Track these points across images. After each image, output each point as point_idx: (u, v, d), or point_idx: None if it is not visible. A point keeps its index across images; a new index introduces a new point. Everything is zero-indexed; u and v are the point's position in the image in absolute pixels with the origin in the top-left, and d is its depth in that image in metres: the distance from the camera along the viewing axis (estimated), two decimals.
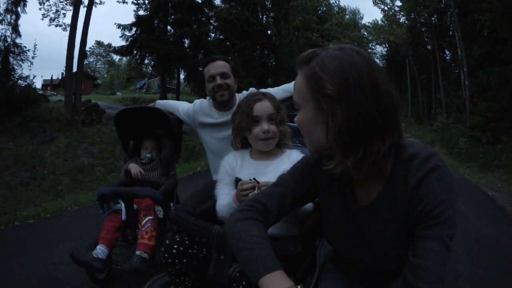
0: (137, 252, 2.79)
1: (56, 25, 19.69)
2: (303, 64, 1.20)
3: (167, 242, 1.85)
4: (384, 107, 1.11)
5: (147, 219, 2.95)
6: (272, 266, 1.19)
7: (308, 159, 1.50)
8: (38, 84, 34.62)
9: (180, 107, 3.25)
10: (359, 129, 1.10)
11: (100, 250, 2.84)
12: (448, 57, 28.30)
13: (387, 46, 37.37)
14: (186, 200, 2.26)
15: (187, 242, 1.83)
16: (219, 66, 2.85)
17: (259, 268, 1.19)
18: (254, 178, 1.82)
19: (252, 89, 2.69)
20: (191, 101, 3.32)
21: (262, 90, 2.50)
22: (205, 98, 3.11)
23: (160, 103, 3.48)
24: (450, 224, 1.13)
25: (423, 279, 1.10)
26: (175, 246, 1.80)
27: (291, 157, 1.99)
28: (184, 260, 1.79)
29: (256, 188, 1.76)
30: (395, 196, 1.21)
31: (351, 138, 1.11)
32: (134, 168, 3.33)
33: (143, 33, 21.17)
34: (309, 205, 1.77)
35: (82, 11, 16.78)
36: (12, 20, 17.19)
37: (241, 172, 2.00)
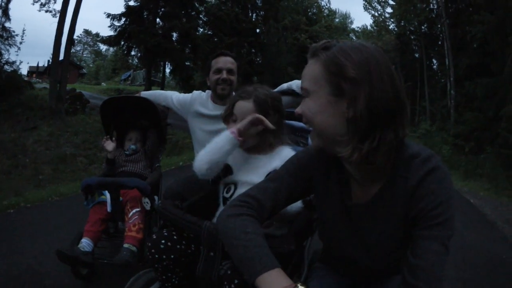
0: (125, 245, 2.73)
1: (46, 11, 19.43)
2: (321, 51, 1.17)
3: (154, 237, 1.79)
4: (399, 97, 1.13)
5: (134, 211, 2.89)
6: (269, 264, 1.16)
7: (304, 154, 1.47)
8: (24, 70, 34.16)
9: (174, 95, 3.28)
10: (378, 115, 1.09)
11: (86, 244, 2.75)
12: (435, 66, 28.59)
13: None
14: (172, 184, 2.22)
15: (175, 237, 1.78)
16: (228, 61, 2.95)
17: (256, 266, 1.15)
18: None
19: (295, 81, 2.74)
20: None
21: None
22: (198, 91, 3.17)
23: (146, 94, 3.51)
24: (449, 225, 1.14)
25: (423, 279, 1.11)
26: (163, 241, 1.75)
27: (282, 154, 1.94)
28: (172, 256, 1.74)
29: None
30: (393, 195, 1.21)
31: (369, 124, 1.10)
32: (108, 144, 3.25)
33: (132, 24, 21.12)
34: (298, 206, 1.74)
35: None
36: (3, 3, 16.97)
37: (231, 161, 1.98)
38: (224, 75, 2.89)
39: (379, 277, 1.41)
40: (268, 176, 1.51)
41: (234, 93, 2.94)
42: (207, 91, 3.08)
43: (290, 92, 2.68)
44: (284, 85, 2.75)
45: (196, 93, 3.17)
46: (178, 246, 1.76)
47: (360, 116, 1.09)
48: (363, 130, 1.10)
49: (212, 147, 1.90)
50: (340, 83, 1.11)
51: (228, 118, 2.03)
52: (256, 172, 1.87)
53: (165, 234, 1.79)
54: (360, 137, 1.12)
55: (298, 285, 1.11)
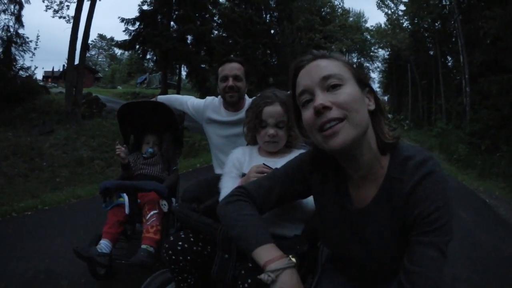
0: (143, 246, 2.80)
1: (60, 17, 19.54)
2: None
3: (171, 239, 1.85)
4: None
5: (152, 213, 2.96)
6: (263, 240, 1.30)
7: (306, 156, 1.49)
8: (39, 75, 34.45)
9: (189, 101, 3.30)
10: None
11: (104, 245, 2.83)
12: (450, 63, 28.27)
13: (389, 50, 37.41)
14: (190, 187, 2.26)
15: (191, 239, 1.83)
16: (234, 68, 2.89)
17: (252, 242, 1.30)
18: (264, 164, 1.84)
19: None
20: None
21: None
22: (213, 96, 3.18)
23: (163, 98, 3.52)
24: (446, 230, 1.13)
25: (419, 285, 1.11)
26: (180, 243, 1.80)
27: None
28: (188, 257, 1.79)
29: None
30: (390, 199, 1.22)
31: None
32: (122, 151, 3.23)
33: (147, 28, 21.13)
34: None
35: (86, 4, 16.72)
36: (15, 10, 17.13)
37: (248, 168, 1.99)
38: (230, 82, 2.85)
39: (385, 279, 1.42)
40: (267, 174, 1.59)
41: (246, 98, 2.99)
42: (219, 96, 3.07)
43: None
44: None
45: (209, 99, 3.18)
46: (194, 248, 1.81)
47: (377, 108, 1.27)
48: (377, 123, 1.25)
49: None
50: (360, 75, 1.25)
51: (256, 126, 2.06)
52: None
53: (182, 236, 1.84)
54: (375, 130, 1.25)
55: (290, 256, 1.24)
